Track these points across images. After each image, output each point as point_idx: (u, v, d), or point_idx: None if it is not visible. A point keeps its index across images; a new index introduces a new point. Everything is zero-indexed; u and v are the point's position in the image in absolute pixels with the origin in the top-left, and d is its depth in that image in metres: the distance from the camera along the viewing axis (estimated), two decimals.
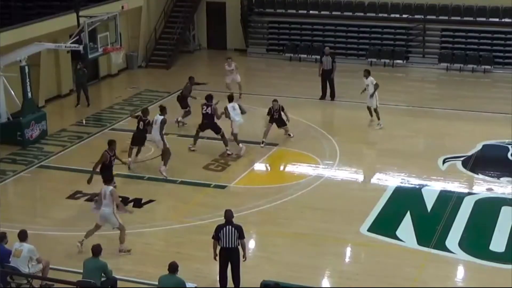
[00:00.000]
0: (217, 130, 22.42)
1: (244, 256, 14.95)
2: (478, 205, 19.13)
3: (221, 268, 14.91)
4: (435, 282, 15.59)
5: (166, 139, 20.93)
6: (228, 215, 14.96)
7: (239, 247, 14.81)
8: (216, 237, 14.75)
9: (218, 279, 15.01)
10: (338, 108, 27.74)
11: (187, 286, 13.93)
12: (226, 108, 22.43)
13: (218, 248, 14.85)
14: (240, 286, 14.91)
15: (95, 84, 30.97)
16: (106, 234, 17.45)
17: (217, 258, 14.90)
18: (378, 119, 24.70)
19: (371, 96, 24.47)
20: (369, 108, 24.87)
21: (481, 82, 31.33)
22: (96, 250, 14.25)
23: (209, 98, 22.63)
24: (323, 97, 28.01)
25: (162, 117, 21.03)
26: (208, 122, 22.38)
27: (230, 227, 14.74)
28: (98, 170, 18.86)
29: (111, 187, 16.80)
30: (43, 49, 25.22)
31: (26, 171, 21.70)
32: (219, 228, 14.78)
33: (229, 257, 14.80)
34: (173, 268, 13.61)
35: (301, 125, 25.06)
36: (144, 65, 34.17)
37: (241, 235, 14.77)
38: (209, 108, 22.30)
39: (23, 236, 14.80)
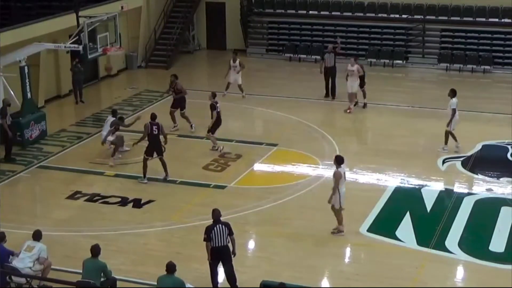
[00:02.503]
0: None
1: (233, 252, 14.92)
2: (478, 205, 19.13)
3: (213, 267, 14.91)
4: (434, 282, 15.59)
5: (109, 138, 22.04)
6: (217, 214, 14.93)
7: (229, 244, 14.82)
8: (208, 238, 14.71)
9: (210, 279, 14.93)
10: (338, 108, 27.71)
11: (186, 286, 13.95)
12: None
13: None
14: (239, 286, 14.92)
15: (94, 84, 30.99)
16: (105, 235, 17.47)
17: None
18: (445, 143, 22.62)
19: (450, 121, 22.36)
20: (450, 133, 22.57)
21: (480, 82, 31.34)
22: (95, 251, 14.24)
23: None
24: (327, 95, 28.05)
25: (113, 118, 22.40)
26: None
27: (220, 225, 14.74)
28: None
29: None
30: (43, 49, 25.22)
31: (26, 171, 21.70)
32: (209, 229, 14.74)
33: (221, 255, 14.80)
34: (171, 268, 13.61)
35: (300, 125, 25.08)
36: (143, 65, 34.17)
37: (230, 232, 14.83)
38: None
39: (37, 236, 14.97)
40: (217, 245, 14.69)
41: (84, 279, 13.99)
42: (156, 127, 20.55)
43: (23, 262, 14.58)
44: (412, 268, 16.11)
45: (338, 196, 17.23)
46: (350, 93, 26.30)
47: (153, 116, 20.88)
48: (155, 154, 20.71)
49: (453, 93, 22.71)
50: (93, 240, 15.33)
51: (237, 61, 27.85)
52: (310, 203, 19.31)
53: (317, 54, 33.97)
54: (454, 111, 22.41)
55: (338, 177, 17.20)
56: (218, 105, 22.61)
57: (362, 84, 27.03)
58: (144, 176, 20.63)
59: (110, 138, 22.08)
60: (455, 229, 17.72)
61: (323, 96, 28.18)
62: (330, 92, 28.08)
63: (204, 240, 14.76)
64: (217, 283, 15.01)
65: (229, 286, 15.00)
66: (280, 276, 14.68)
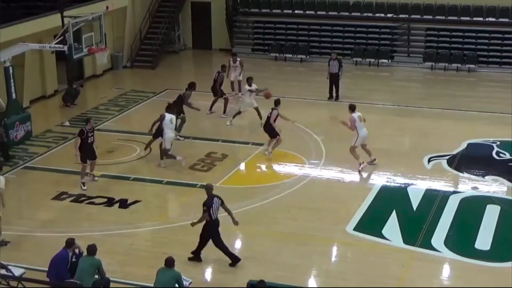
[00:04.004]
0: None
1: (234, 220, 16.27)
2: (463, 203, 19.21)
3: (211, 237, 15.90)
4: (421, 280, 15.64)
5: None
6: (209, 187, 16.17)
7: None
8: (208, 210, 15.71)
9: (198, 246, 15.99)
10: (323, 107, 27.78)
11: (183, 279, 14.17)
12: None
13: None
14: (226, 287, 14.96)
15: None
16: (91, 235, 17.40)
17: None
18: None
19: None
20: None
21: (465, 81, 31.48)
22: (92, 249, 14.35)
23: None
24: (330, 98, 28.11)
25: None
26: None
27: (216, 198, 15.92)
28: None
29: None
30: (28, 49, 25.10)
31: (11, 172, 21.58)
32: (209, 204, 15.76)
33: (218, 227, 15.97)
34: (169, 262, 13.92)
35: (287, 125, 25.06)
36: (129, 65, 34.09)
37: (223, 202, 16.01)
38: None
39: None
40: (215, 217, 15.78)
41: (76, 279, 14.01)
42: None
43: None
44: (398, 267, 16.16)
45: None
46: None
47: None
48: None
49: None
50: (79, 241, 15.25)
51: (237, 61, 28.20)
52: (296, 203, 19.32)
53: (303, 54, 34.11)
54: None
55: None
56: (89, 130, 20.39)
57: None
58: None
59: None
60: (441, 228, 17.78)
61: (327, 98, 28.18)
62: (335, 95, 28.12)
63: (205, 211, 15.73)
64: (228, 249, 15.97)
65: (219, 286, 15.21)
66: (267, 276, 14.64)
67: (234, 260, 15.92)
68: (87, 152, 20.17)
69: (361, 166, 20.88)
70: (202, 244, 16.03)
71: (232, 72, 28.15)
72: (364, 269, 16.04)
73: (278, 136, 22.20)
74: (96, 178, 20.52)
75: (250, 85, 25.04)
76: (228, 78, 27.85)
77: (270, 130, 22.16)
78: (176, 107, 22.91)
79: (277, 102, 22.46)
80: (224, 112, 26.21)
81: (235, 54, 29.29)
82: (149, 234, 17.93)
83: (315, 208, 19.03)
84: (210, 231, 15.85)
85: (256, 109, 25.10)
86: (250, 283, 13.64)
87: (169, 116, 21.32)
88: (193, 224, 16.11)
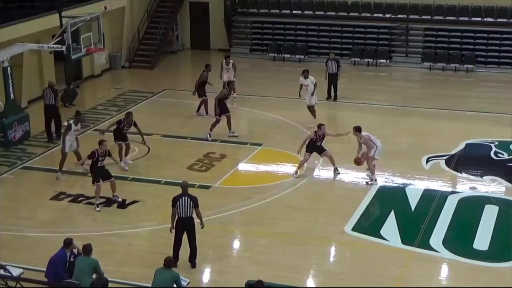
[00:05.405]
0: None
1: (201, 224, 15.91)
2: (462, 203, 19.22)
3: (177, 236, 15.83)
4: (419, 281, 15.64)
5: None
6: (184, 185, 15.94)
7: (193, 215, 15.72)
8: (175, 206, 15.71)
9: (173, 247, 15.82)
10: (321, 108, 27.73)
11: (181, 279, 14.23)
12: None
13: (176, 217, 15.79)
14: (223, 286, 14.94)
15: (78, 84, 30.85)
16: (89, 236, 17.40)
17: (173, 229, 15.89)
18: None
19: None
20: None
21: (464, 81, 31.51)
22: (87, 249, 14.36)
23: None
24: (329, 98, 28.11)
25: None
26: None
27: (186, 197, 15.69)
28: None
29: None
30: (26, 49, 25.09)
31: (9, 173, 21.57)
32: (175, 199, 15.70)
33: (186, 226, 15.74)
34: (168, 262, 13.96)
35: (285, 125, 25.11)
36: (127, 65, 34.08)
37: (196, 204, 15.73)
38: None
39: None
40: (181, 215, 15.65)
41: (74, 279, 14.01)
42: None
43: None
44: (396, 267, 16.16)
45: None
46: None
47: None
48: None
49: None
50: (77, 241, 15.25)
51: (230, 63, 27.99)
52: (294, 203, 19.33)
53: (301, 54, 34.12)
54: None
55: None
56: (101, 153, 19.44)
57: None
58: None
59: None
60: (439, 228, 17.79)
61: (325, 99, 28.14)
62: (333, 95, 28.11)
63: (173, 206, 15.74)
64: (178, 252, 15.79)
65: (217, 286, 15.22)
66: (265, 276, 14.66)
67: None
68: (99, 173, 19.25)
69: (371, 182, 20.28)
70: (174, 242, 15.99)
71: (225, 73, 27.97)
72: (362, 269, 16.05)
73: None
74: (119, 199, 19.41)
75: (306, 77, 24.96)
76: (221, 79, 27.69)
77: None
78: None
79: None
80: (207, 113, 26.00)
81: (228, 56, 29.27)
82: (148, 234, 17.92)
83: (313, 208, 19.04)
84: (176, 228, 15.87)
85: (309, 108, 25.26)
86: (248, 283, 13.65)
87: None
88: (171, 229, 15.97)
